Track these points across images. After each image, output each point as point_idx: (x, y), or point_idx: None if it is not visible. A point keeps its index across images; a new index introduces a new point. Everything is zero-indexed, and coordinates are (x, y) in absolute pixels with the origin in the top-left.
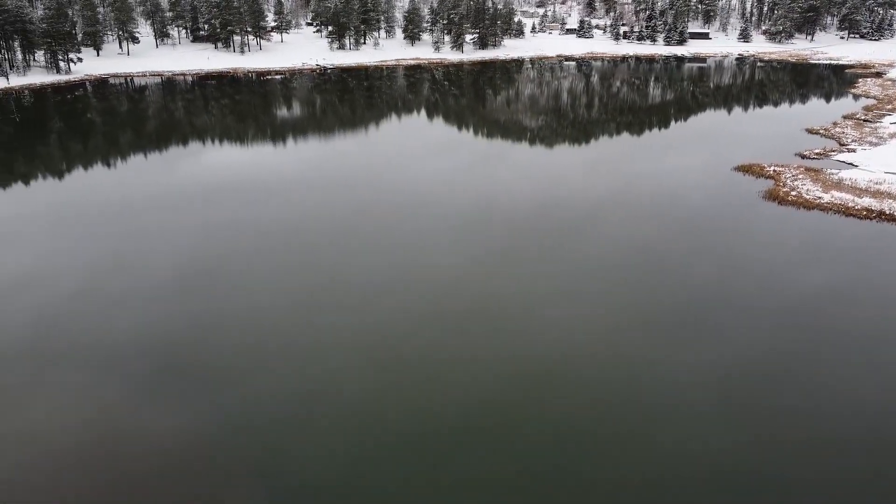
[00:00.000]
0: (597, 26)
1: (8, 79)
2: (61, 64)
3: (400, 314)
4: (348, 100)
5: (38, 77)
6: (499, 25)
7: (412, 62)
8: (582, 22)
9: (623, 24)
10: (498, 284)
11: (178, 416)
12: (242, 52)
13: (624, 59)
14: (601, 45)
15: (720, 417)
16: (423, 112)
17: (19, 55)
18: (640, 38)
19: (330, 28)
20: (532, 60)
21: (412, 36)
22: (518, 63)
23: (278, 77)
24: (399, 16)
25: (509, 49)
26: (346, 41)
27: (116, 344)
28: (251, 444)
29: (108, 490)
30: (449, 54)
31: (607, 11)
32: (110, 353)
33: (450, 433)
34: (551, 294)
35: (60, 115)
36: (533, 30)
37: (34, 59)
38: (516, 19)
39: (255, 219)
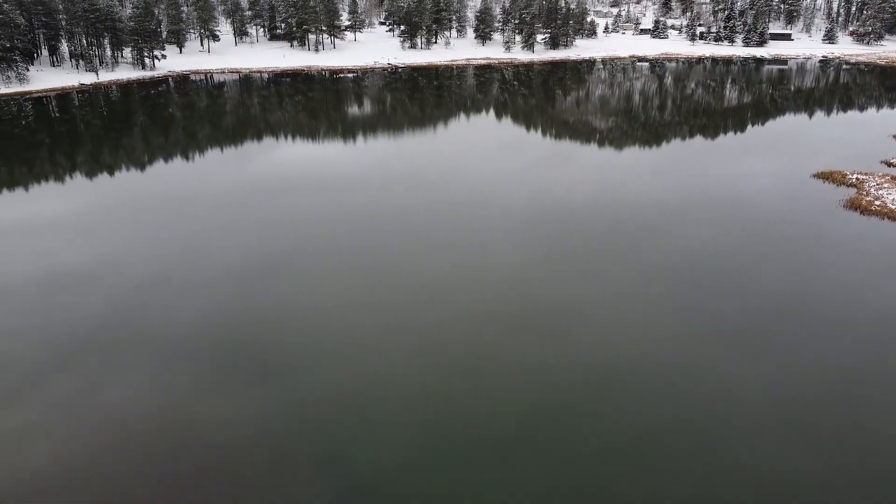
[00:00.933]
0: (672, 27)
1: (98, 74)
2: (146, 60)
3: (459, 314)
4: (418, 98)
5: (125, 73)
6: (571, 25)
7: (482, 62)
8: (657, 22)
9: (700, 25)
10: (560, 288)
11: (242, 405)
12: (317, 50)
13: (700, 60)
14: (676, 45)
15: (791, 436)
16: (491, 112)
17: (109, 52)
18: (718, 39)
19: (402, 27)
20: (604, 61)
21: (483, 35)
22: (589, 63)
23: (350, 75)
24: (470, 15)
25: (581, 49)
26: (418, 40)
27: (186, 332)
28: (312, 436)
29: (173, 475)
30: (519, 54)
31: (683, 11)
32: (180, 341)
33: (504, 437)
34: (616, 299)
35: (144, 109)
36: (606, 30)
37: (122, 56)
38: (589, 19)
39: (323, 214)
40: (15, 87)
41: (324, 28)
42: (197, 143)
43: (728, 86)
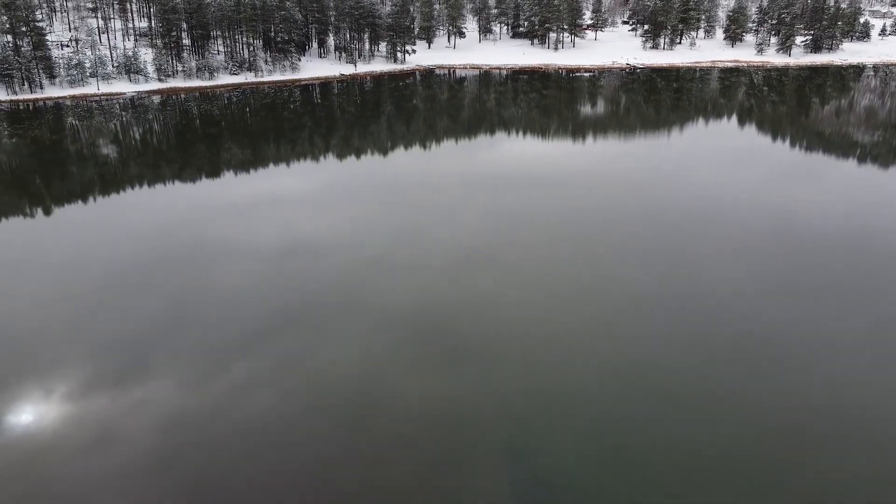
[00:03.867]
0: None
1: (356, 66)
2: (398, 55)
3: (663, 333)
4: (654, 100)
5: (379, 66)
6: (839, 27)
7: (730, 64)
8: None
9: None
10: (778, 319)
11: (435, 384)
12: (556, 48)
13: None
14: None
15: None
16: (733, 118)
17: (367, 46)
18: None
19: (645, 27)
20: (875, 67)
21: (733, 36)
22: (857, 70)
23: (587, 74)
24: (722, 15)
25: (847, 54)
26: (661, 40)
27: (396, 309)
28: (497, 424)
29: (360, 443)
30: (773, 57)
31: None
32: (390, 318)
33: (705, 470)
34: (856, 338)
35: (391, 99)
36: (882, 32)
37: (378, 50)
38: (862, 20)
39: (542, 210)
40: (288, 75)
41: (565, 26)
42: (435, 133)
43: None
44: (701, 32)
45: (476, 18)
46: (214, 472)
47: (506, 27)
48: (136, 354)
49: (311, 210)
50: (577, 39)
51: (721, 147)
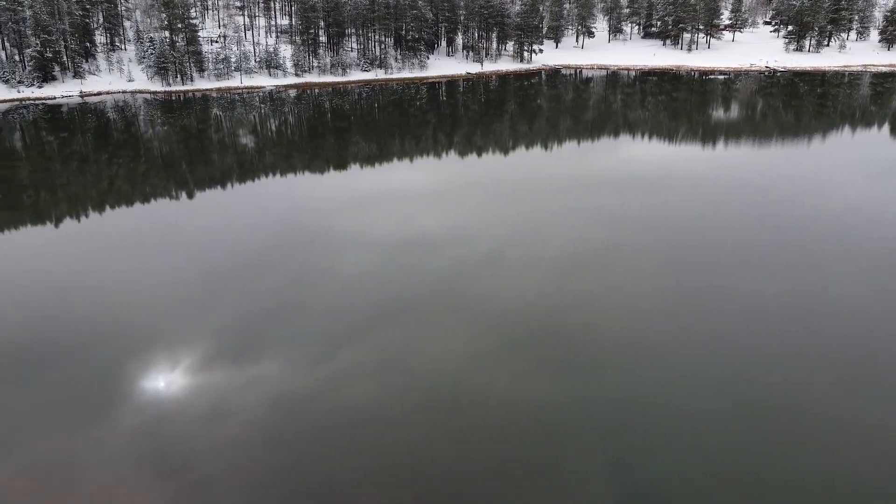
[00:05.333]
0: None
1: (482, 65)
2: (525, 54)
3: (779, 351)
4: (794, 106)
5: (505, 65)
6: None
7: (885, 69)
8: None
9: None
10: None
11: (535, 386)
12: (689, 49)
13: None
14: None
15: None
16: (885, 127)
17: (494, 45)
18: None
19: (789, 28)
20: None
21: (891, 39)
22: None
23: (721, 77)
24: (878, 15)
25: None
26: (806, 42)
27: (501, 309)
28: (597, 433)
29: (453, 439)
30: None
31: None
32: (494, 316)
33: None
34: None
35: (515, 98)
36: None
37: (504, 49)
38: None
39: (656, 215)
40: (416, 73)
41: (700, 27)
42: (557, 134)
43: None
44: (852, 34)
45: (606, 18)
46: (314, 451)
47: (637, 27)
48: (253, 334)
49: (430, 205)
50: (712, 40)
51: (866, 158)
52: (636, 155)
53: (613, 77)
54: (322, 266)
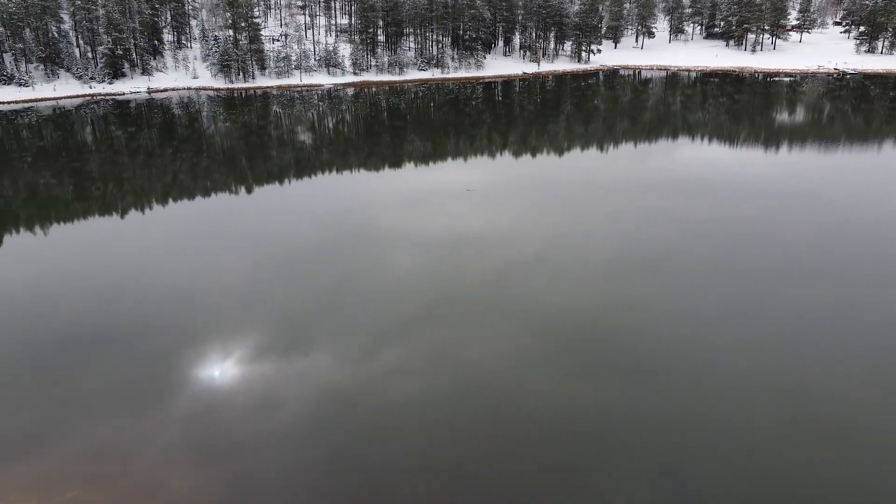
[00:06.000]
0: None
1: (539, 65)
2: (583, 54)
3: (848, 370)
4: (864, 110)
5: (562, 65)
6: None
7: None
8: None
9: None
10: None
11: (579, 389)
12: (753, 50)
13: None
14: None
15: None
16: None
17: (552, 45)
18: None
19: (861, 28)
20: None
21: None
22: None
23: (786, 79)
24: None
25: None
26: (879, 44)
27: (546, 310)
28: (644, 441)
29: (496, 439)
30: None
31: None
32: (540, 317)
33: None
34: None
35: (572, 99)
36: None
37: (562, 49)
38: None
39: (711, 220)
40: (473, 72)
41: (766, 27)
42: (613, 135)
43: None
44: None
45: (667, 18)
46: (358, 446)
47: (699, 27)
48: (304, 328)
49: (481, 205)
50: (778, 41)
51: None
52: (694, 158)
53: (673, 78)
54: (372, 263)
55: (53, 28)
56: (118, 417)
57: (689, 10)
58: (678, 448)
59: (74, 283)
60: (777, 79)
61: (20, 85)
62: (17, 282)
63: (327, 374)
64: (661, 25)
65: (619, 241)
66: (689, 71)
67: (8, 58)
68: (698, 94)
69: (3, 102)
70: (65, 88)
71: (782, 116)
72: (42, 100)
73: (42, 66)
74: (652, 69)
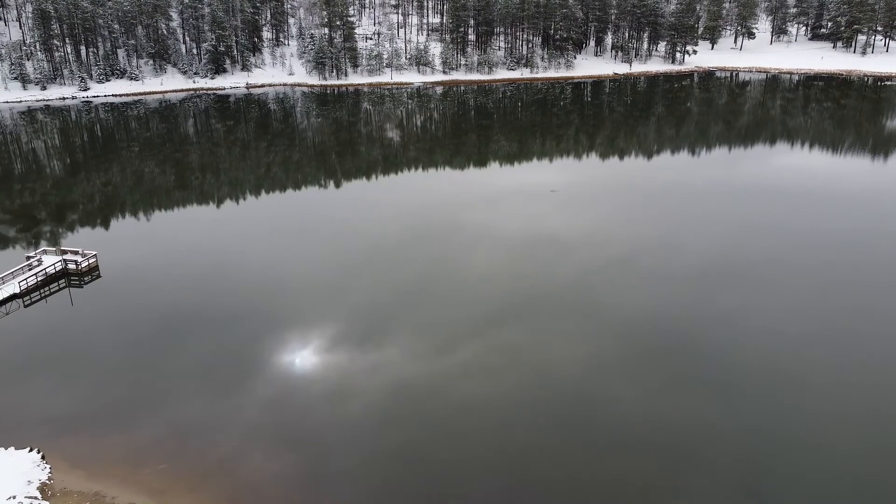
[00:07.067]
0: None
1: (630, 65)
2: (677, 55)
3: None
4: None
5: (655, 66)
6: None
7: None
8: None
9: None
10: None
11: (656, 398)
12: (863, 52)
13: None
14: None
15: None
16: None
17: (645, 45)
18: None
19: None
20: None
21: None
22: None
23: None
24: None
25: None
26: None
27: (630, 315)
28: (733, 456)
29: (567, 442)
30: None
31: None
32: (620, 321)
33: None
34: None
35: (664, 101)
36: None
37: (655, 50)
38: None
39: (807, 229)
40: (562, 72)
41: (879, 28)
42: (706, 139)
43: None
44: None
45: (770, 18)
46: (425, 441)
47: (804, 28)
48: (380, 320)
49: (565, 205)
50: (892, 43)
51: None
52: (793, 165)
53: (773, 81)
54: (452, 260)
55: (163, 25)
56: (204, 396)
57: (793, 10)
58: (764, 470)
59: (172, 268)
60: (890, 83)
61: (131, 79)
62: (121, 263)
63: (401, 368)
64: (763, 26)
65: (710, 249)
66: (790, 74)
67: (121, 53)
68: (800, 98)
69: (116, 95)
70: (171, 82)
71: (893, 123)
72: (150, 93)
73: (151, 62)
74: (751, 71)
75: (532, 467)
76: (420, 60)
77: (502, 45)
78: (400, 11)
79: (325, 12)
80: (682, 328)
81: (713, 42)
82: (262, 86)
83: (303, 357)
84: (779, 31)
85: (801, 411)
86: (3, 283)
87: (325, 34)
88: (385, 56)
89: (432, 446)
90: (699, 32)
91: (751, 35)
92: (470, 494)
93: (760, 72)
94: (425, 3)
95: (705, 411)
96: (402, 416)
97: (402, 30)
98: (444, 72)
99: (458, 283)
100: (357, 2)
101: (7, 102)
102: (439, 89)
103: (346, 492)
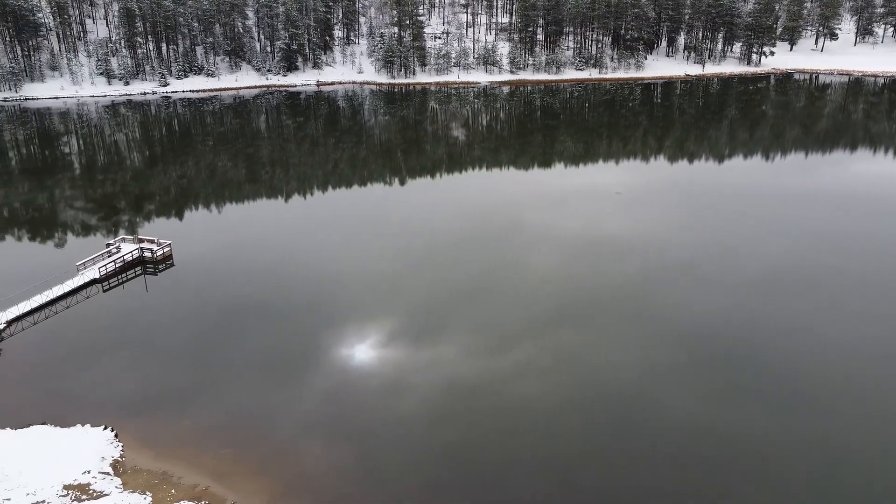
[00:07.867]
0: None
1: (703, 66)
2: (753, 56)
3: None
4: None
5: (729, 67)
6: None
7: None
8: None
9: None
10: None
11: (711, 408)
12: None
13: None
14: None
15: None
16: None
17: (719, 46)
18: None
19: None
20: None
21: None
22: None
23: None
24: None
25: None
26: None
27: (688, 322)
28: (793, 472)
29: (616, 448)
30: None
31: None
32: (678, 328)
33: None
34: None
35: (737, 104)
36: None
37: (730, 51)
38: None
39: (884, 239)
40: (632, 73)
41: None
42: (781, 143)
43: None
44: None
45: (854, 18)
46: (475, 441)
47: (892, 29)
48: (437, 318)
49: (630, 208)
50: None
51: None
52: (873, 173)
53: (857, 84)
54: (512, 260)
55: (239, 24)
56: (265, 385)
57: (880, 10)
58: (824, 487)
59: (240, 259)
60: None
61: (208, 75)
62: (193, 253)
63: (454, 366)
64: (846, 27)
65: (776, 256)
66: (875, 77)
67: (199, 50)
68: (885, 102)
69: (193, 91)
70: (245, 79)
71: None
72: (225, 89)
73: (227, 59)
74: (832, 73)
75: (580, 472)
76: (487, 60)
77: (571, 44)
78: (469, 11)
79: (395, 11)
80: (744, 336)
81: (792, 43)
82: (332, 83)
83: (361, 351)
84: (864, 31)
85: (870, 430)
86: (85, 269)
87: (394, 33)
88: (453, 55)
89: (482, 445)
90: (777, 33)
91: (833, 36)
92: (517, 496)
93: (842, 74)
94: (494, 3)
95: (765, 424)
96: (453, 414)
97: (471, 29)
98: (512, 71)
99: (517, 283)
100: (427, 1)
101: (93, 97)
102: (506, 89)
103: (397, 488)
